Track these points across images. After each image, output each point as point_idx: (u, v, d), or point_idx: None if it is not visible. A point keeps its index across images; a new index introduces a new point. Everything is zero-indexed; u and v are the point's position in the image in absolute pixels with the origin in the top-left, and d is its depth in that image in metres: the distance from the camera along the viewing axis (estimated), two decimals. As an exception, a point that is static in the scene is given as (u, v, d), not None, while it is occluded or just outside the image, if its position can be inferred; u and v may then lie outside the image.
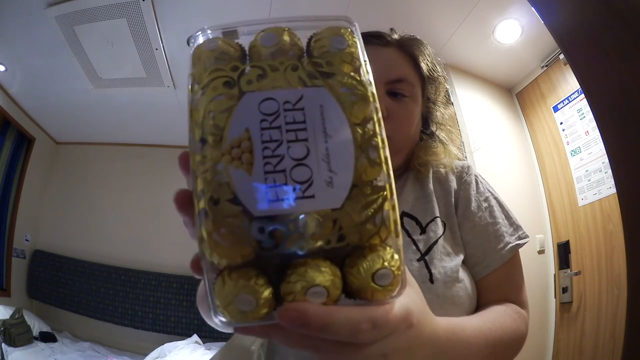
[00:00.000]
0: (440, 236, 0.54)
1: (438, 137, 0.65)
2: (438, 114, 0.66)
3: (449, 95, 0.70)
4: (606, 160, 1.62)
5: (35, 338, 2.65)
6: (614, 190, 1.58)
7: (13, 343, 2.40)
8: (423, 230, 0.54)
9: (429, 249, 0.52)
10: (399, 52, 0.61)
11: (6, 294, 2.98)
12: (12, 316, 2.56)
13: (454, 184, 0.60)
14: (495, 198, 0.60)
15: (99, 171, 3.70)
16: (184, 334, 3.06)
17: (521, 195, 2.16)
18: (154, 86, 2.74)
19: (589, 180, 1.91)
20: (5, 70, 2.65)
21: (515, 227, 0.58)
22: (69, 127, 3.50)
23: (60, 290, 3.24)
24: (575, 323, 1.85)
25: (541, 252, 2.10)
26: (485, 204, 0.58)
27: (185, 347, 2.72)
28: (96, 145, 3.77)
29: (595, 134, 1.89)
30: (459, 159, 0.65)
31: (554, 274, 2.02)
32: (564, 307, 1.93)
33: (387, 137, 0.53)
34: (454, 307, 0.49)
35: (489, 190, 0.60)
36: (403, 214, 0.56)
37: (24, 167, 3.30)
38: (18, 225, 3.18)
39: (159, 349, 2.70)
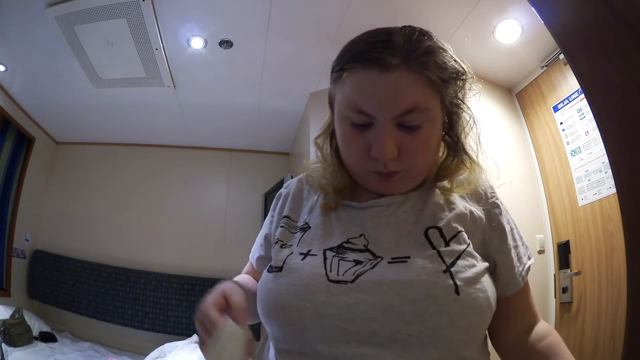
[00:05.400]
0: (465, 249, 0.53)
1: (464, 149, 0.59)
2: (465, 115, 0.59)
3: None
4: (606, 160, 1.62)
5: (35, 338, 2.65)
6: (614, 190, 1.57)
7: (13, 343, 2.40)
8: (447, 243, 0.53)
9: (454, 262, 0.50)
10: (406, 73, 0.50)
11: (6, 294, 2.98)
12: (12, 316, 2.56)
13: (482, 202, 0.60)
14: (512, 219, 0.62)
15: (99, 171, 3.70)
16: (184, 334, 3.06)
17: (521, 195, 2.16)
18: (154, 86, 2.74)
19: (589, 180, 1.91)
20: (5, 70, 2.65)
21: (526, 247, 0.61)
22: (69, 127, 3.51)
23: (60, 290, 3.24)
24: (575, 323, 1.84)
25: (541, 252, 2.10)
26: (508, 227, 0.59)
27: (185, 347, 2.72)
28: (96, 145, 3.77)
29: (595, 134, 1.89)
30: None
31: (554, 274, 2.02)
32: (564, 307, 1.93)
33: (401, 170, 0.54)
34: (477, 317, 0.49)
35: (507, 211, 0.62)
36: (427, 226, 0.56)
37: (24, 167, 3.30)
38: (18, 225, 3.19)
39: (159, 349, 2.70)
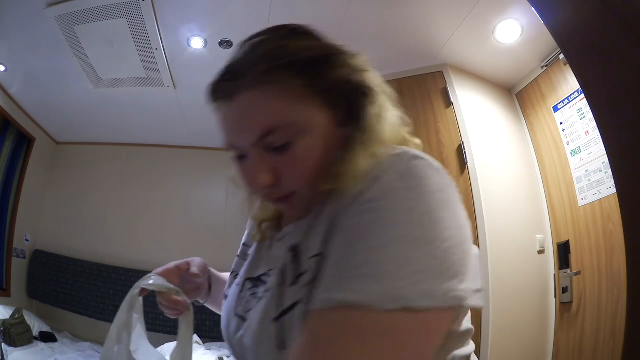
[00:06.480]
0: (311, 289, 0.39)
1: (361, 138, 0.45)
2: (358, 98, 0.46)
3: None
4: (606, 160, 1.62)
5: (35, 338, 2.64)
6: (614, 190, 1.58)
7: (13, 343, 2.39)
8: (298, 277, 0.43)
9: (292, 306, 0.41)
10: (250, 95, 0.44)
11: (6, 294, 2.98)
12: (12, 316, 2.56)
13: (359, 200, 0.39)
14: (406, 229, 0.35)
15: (99, 171, 3.70)
16: (184, 334, 3.06)
17: (521, 195, 2.16)
18: (154, 86, 2.74)
19: (589, 180, 1.91)
20: (5, 70, 2.65)
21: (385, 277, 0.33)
22: (69, 127, 3.51)
23: (60, 290, 3.24)
24: (575, 323, 1.85)
25: (541, 252, 2.10)
26: (364, 228, 0.36)
27: (185, 347, 2.72)
28: (96, 145, 3.77)
29: (595, 134, 1.89)
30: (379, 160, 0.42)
31: (554, 274, 2.02)
32: (564, 307, 1.93)
33: (293, 192, 0.48)
34: None
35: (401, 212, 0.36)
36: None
37: (24, 167, 3.30)
38: (18, 225, 3.18)
39: (159, 349, 2.70)
